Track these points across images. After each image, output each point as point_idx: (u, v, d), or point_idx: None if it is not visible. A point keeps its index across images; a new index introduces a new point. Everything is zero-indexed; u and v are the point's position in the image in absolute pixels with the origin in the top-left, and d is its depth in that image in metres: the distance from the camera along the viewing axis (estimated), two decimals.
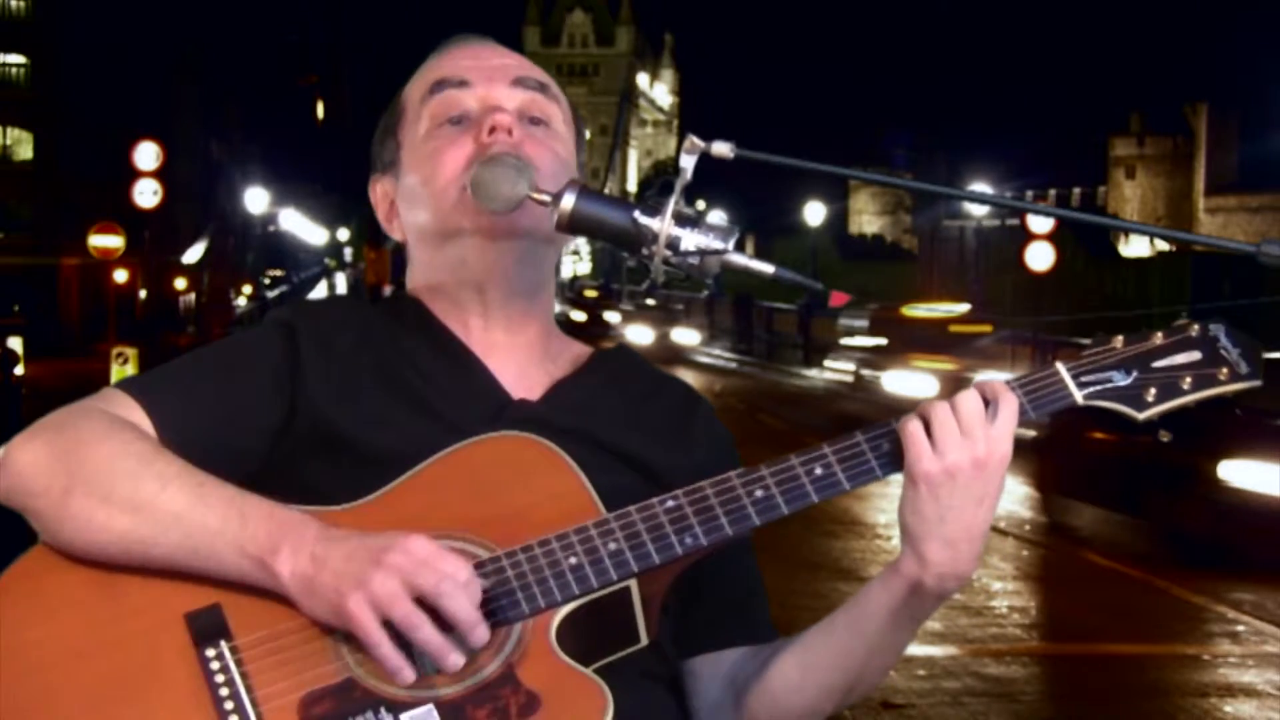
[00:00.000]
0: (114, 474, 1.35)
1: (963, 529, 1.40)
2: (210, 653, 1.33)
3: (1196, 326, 1.50)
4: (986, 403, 1.42)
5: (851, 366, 22.62)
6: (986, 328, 22.87)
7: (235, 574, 1.33)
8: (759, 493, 1.41)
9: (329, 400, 1.48)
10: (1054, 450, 11.57)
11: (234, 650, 1.33)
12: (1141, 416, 1.47)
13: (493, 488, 1.40)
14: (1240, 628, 8.52)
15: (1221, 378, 1.48)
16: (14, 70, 44.19)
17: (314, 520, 1.34)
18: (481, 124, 1.54)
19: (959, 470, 1.39)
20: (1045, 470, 12.11)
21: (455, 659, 1.29)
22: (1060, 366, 1.47)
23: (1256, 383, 1.48)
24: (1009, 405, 1.41)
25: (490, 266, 1.55)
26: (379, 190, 1.65)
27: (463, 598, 1.28)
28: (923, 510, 1.40)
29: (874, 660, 1.49)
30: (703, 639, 1.59)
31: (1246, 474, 9.74)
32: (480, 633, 1.30)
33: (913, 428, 1.40)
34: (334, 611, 1.30)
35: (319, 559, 1.30)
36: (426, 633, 1.28)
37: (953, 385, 18.86)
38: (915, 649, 7.45)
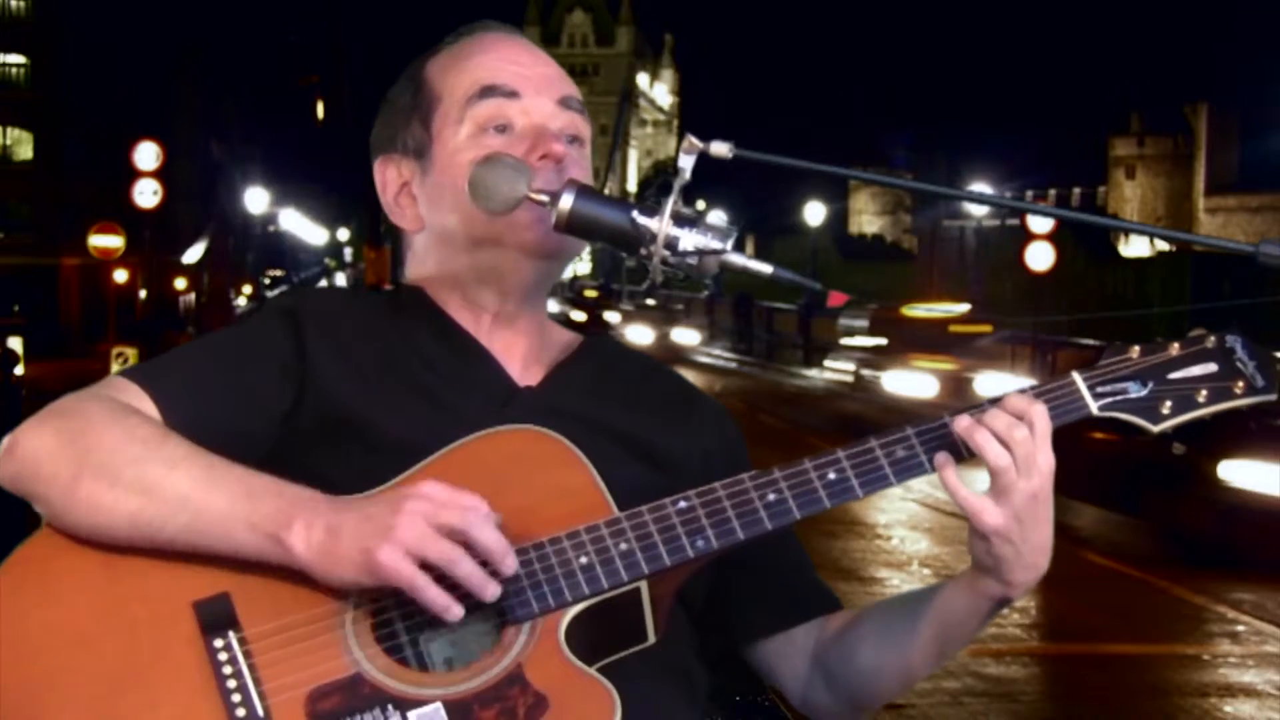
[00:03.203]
0: (121, 457, 1.36)
1: (1039, 549, 1.45)
2: (218, 643, 1.33)
3: (1213, 338, 1.49)
4: (1019, 418, 1.42)
5: (851, 366, 22.64)
6: (986, 328, 22.87)
7: (248, 552, 1.34)
8: (771, 496, 1.41)
9: (338, 387, 1.49)
10: (1054, 450, 11.52)
11: (242, 641, 1.34)
12: (1156, 429, 1.48)
13: (504, 482, 1.40)
14: (1240, 628, 8.52)
15: (1237, 391, 1.48)
16: (14, 70, 44.14)
17: (322, 494, 1.35)
18: (533, 145, 1.53)
19: (1023, 509, 1.42)
20: None
21: (494, 589, 1.31)
22: (1076, 377, 1.47)
23: (1272, 396, 1.48)
24: (1043, 420, 1.43)
25: (522, 279, 1.57)
26: (392, 171, 1.62)
27: (490, 528, 1.30)
28: (1000, 553, 1.43)
29: (957, 649, 1.56)
30: (774, 619, 1.61)
31: (1246, 474, 9.73)
32: (511, 561, 1.32)
33: (966, 493, 1.41)
34: (364, 569, 1.30)
35: (333, 528, 1.31)
36: (467, 566, 1.29)
37: (953, 385, 18.95)
38: None
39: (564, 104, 1.58)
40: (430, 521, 1.29)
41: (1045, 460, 1.42)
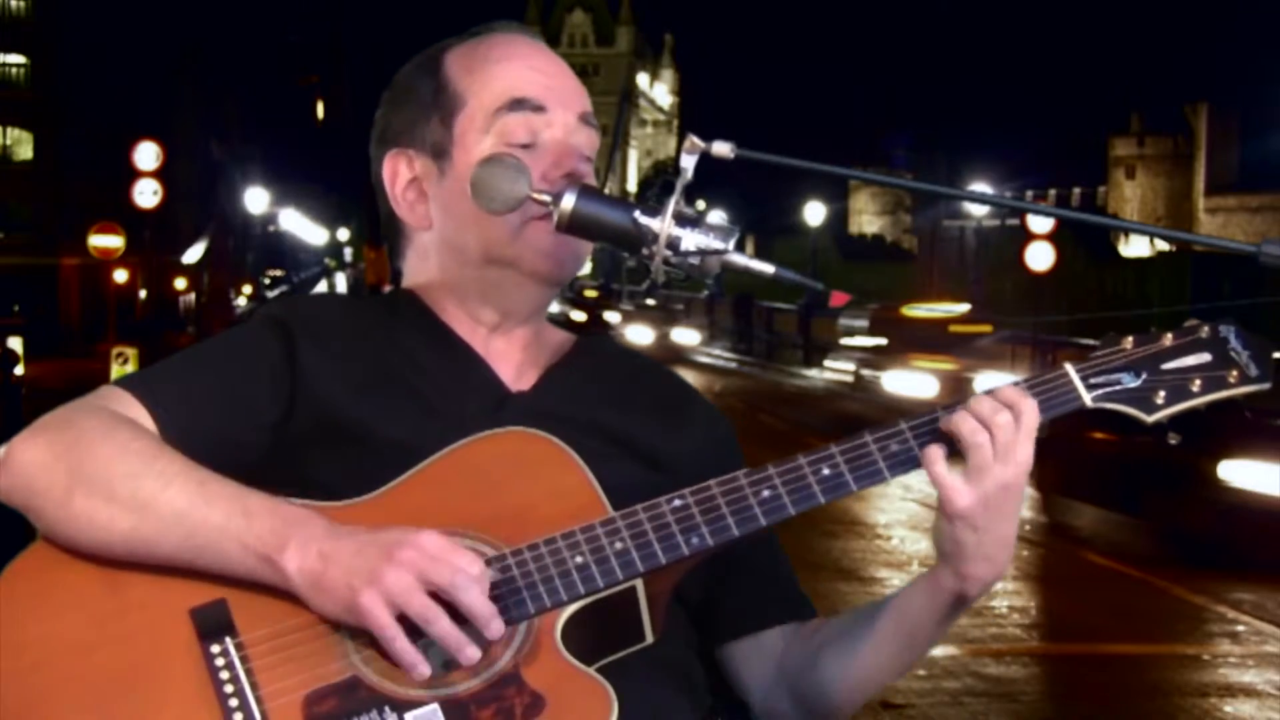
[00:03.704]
0: (115, 473, 1.36)
1: (1000, 542, 1.43)
2: (215, 649, 1.33)
3: (1207, 328, 1.49)
4: (1007, 408, 1.41)
5: (851, 366, 22.65)
6: (986, 328, 22.91)
7: (241, 571, 1.34)
8: (766, 493, 1.41)
9: (332, 393, 1.48)
10: (1054, 450, 11.55)
11: (239, 646, 1.34)
12: (1150, 419, 1.47)
13: (498, 484, 1.40)
14: (1240, 628, 8.52)
15: (1231, 380, 1.47)
16: (14, 70, 44.15)
17: (319, 516, 1.34)
18: (556, 161, 1.53)
19: (991, 498, 1.41)
20: (1045, 470, 12.07)
21: (471, 652, 1.30)
22: (1069, 368, 1.47)
23: (1265, 385, 1.48)
24: (1032, 414, 1.42)
25: (527, 302, 1.58)
26: (404, 165, 1.59)
27: (477, 591, 1.29)
28: (962, 539, 1.42)
29: (918, 654, 1.54)
30: (744, 621, 1.60)
31: (1246, 474, 9.74)
32: (496, 625, 1.31)
33: (941, 470, 1.41)
34: (346, 607, 1.30)
35: (327, 555, 1.31)
36: (444, 626, 1.28)
37: (953, 385, 18.98)
38: None
39: (585, 120, 1.58)
40: (418, 575, 1.28)
41: (1024, 453, 1.41)
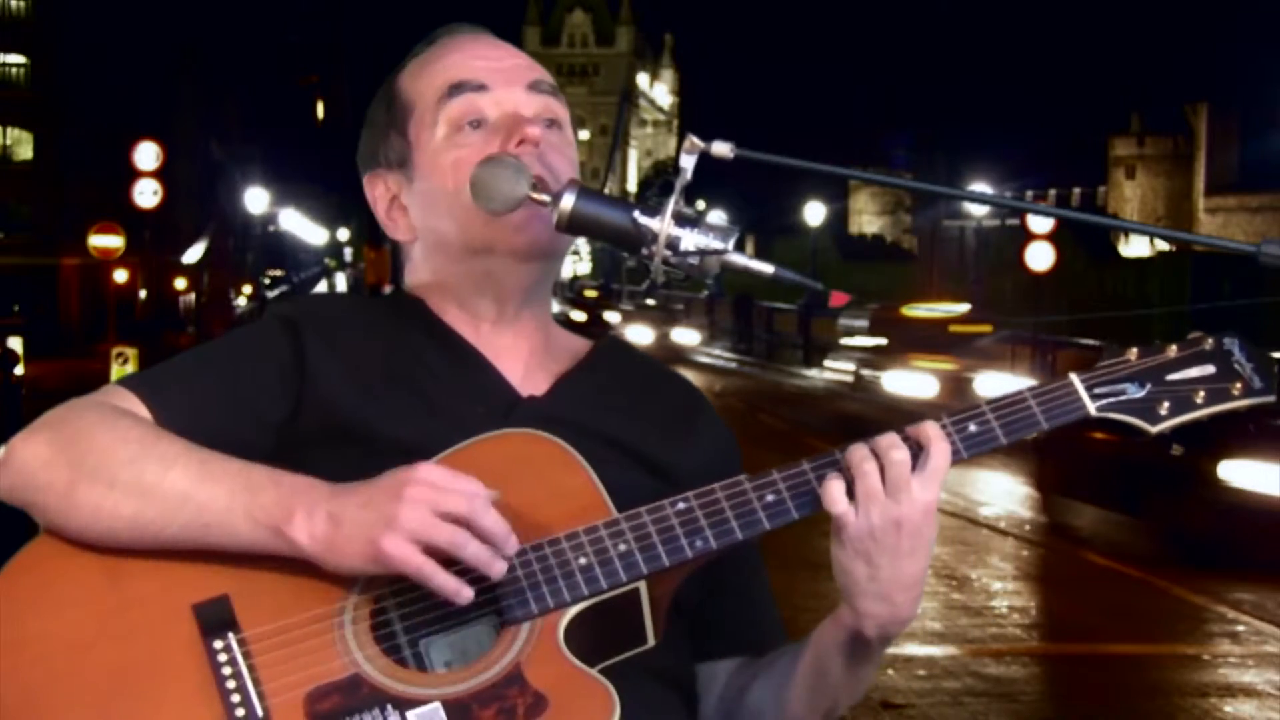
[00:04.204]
0: (116, 460, 1.36)
1: (896, 583, 1.40)
2: (218, 644, 1.33)
3: (1211, 340, 1.49)
4: (920, 448, 1.40)
5: (851, 366, 22.70)
6: (986, 328, 22.96)
7: (251, 545, 1.34)
8: (770, 497, 1.41)
9: (338, 394, 1.48)
10: (1054, 450, 11.56)
11: (242, 642, 1.33)
12: (1154, 430, 1.47)
13: (502, 484, 1.40)
14: (1240, 628, 8.53)
15: (1235, 392, 1.47)
16: (14, 70, 44.18)
17: (321, 482, 1.35)
18: (509, 133, 1.53)
19: (882, 531, 1.38)
20: (1045, 470, 12.11)
21: (500, 566, 1.32)
22: (1074, 378, 1.46)
23: (1270, 398, 1.47)
24: (941, 456, 1.39)
25: (517, 283, 1.56)
26: (380, 187, 1.62)
27: (494, 512, 1.31)
28: (852, 570, 1.40)
29: (830, 699, 1.51)
30: (718, 643, 1.59)
31: (1246, 474, 9.75)
32: (513, 542, 1.33)
33: (833, 487, 1.39)
34: (369, 559, 1.30)
35: (335, 516, 1.31)
36: (473, 547, 1.30)
37: (953, 385, 18.96)
38: (915, 649, 7.46)
39: (534, 88, 1.58)
40: (433, 507, 1.29)
41: (922, 493, 1.38)
